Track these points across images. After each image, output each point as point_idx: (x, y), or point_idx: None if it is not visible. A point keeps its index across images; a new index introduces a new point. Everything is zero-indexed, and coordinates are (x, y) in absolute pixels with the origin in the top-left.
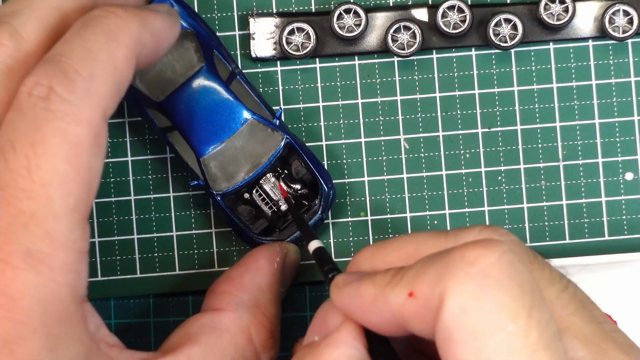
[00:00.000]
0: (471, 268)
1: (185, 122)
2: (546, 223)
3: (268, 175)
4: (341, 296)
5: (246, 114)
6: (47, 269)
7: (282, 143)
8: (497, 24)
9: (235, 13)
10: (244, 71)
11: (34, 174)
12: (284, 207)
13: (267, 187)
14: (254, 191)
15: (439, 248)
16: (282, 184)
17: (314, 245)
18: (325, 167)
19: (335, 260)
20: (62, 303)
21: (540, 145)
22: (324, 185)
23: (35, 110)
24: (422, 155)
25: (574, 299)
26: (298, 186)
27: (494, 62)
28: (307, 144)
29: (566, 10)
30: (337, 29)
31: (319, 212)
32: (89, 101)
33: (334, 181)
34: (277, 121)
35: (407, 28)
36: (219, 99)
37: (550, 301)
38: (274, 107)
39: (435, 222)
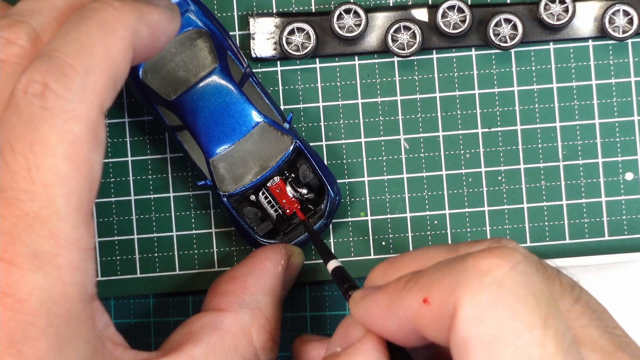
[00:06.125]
0: (485, 278)
1: (195, 122)
2: (546, 223)
3: (275, 178)
4: (359, 310)
5: (257, 117)
6: (53, 269)
7: (292, 147)
8: (497, 24)
9: (235, 13)
10: (248, 64)
11: (34, 175)
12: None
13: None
14: (260, 193)
15: None
16: (288, 186)
17: (332, 265)
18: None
19: None
20: (69, 303)
21: (540, 145)
22: (331, 191)
23: (32, 109)
24: (422, 155)
25: (587, 310)
26: (304, 190)
27: (494, 62)
28: (307, 142)
29: (566, 10)
30: (337, 29)
31: (325, 217)
32: (85, 97)
33: None
34: (288, 125)
35: (407, 28)
36: (231, 100)
37: (563, 313)
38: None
39: (435, 222)
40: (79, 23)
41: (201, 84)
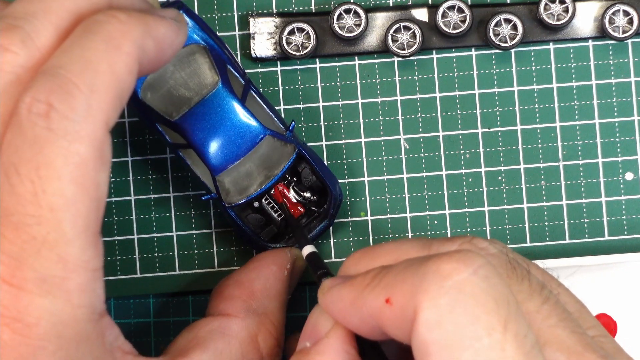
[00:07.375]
0: (445, 282)
1: (201, 142)
2: (546, 223)
3: (278, 185)
4: (326, 300)
5: (262, 131)
6: (62, 292)
7: (294, 155)
8: (497, 24)
9: (235, 13)
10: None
11: (40, 199)
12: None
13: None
14: (263, 199)
15: None
16: (292, 191)
17: (307, 250)
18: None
19: (335, 260)
20: (78, 324)
21: (540, 145)
22: (333, 193)
23: (36, 130)
24: (422, 155)
25: (555, 310)
26: (308, 194)
27: (494, 62)
28: (307, 144)
29: (566, 10)
30: (337, 29)
31: (328, 217)
32: (90, 116)
33: None
34: (290, 134)
35: (407, 28)
36: (236, 118)
37: (530, 314)
38: (276, 107)
39: (435, 222)
40: (83, 37)
41: (204, 102)
